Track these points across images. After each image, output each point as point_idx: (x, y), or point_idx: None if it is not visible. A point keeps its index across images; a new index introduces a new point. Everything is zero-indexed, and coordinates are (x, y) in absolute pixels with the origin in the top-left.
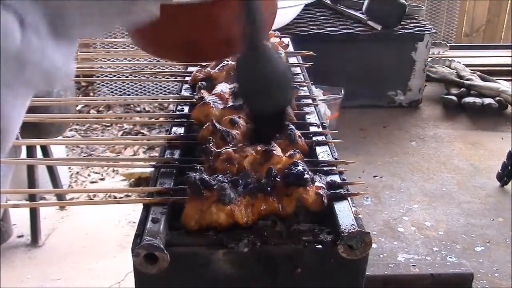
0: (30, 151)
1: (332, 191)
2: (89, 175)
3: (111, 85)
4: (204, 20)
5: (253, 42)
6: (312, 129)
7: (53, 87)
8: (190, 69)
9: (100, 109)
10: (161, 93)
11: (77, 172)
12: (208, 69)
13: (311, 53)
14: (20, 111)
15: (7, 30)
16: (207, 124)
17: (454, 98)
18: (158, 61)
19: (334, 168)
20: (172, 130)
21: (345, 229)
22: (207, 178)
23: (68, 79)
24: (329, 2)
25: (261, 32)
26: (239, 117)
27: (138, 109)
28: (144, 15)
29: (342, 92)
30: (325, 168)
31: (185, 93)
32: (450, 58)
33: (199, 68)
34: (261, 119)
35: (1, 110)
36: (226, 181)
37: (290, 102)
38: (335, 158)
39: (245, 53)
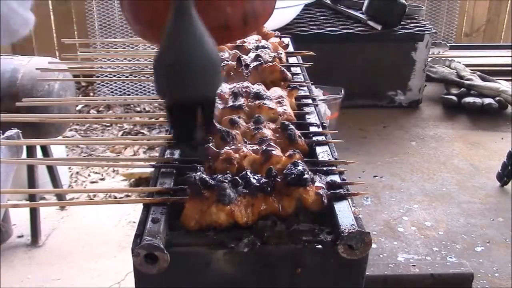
0: (30, 151)
1: (332, 191)
2: (89, 175)
3: (111, 85)
4: (205, 4)
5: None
6: (312, 129)
7: (15, 35)
8: None
9: (100, 109)
10: None
11: (77, 172)
12: None
13: (311, 53)
14: None
15: None
16: None
17: (454, 98)
18: None
19: (334, 168)
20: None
21: (345, 229)
22: (207, 178)
23: (28, 27)
24: (329, 2)
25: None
26: (239, 117)
27: (138, 109)
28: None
29: (342, 92)
30: (325, 168)
31: None
32: (450, 58)
33: None
34: (175, 111)
35: None
36: (226, 181)
37: (215, 92)
38: (335, 158)
39: (168, 20)
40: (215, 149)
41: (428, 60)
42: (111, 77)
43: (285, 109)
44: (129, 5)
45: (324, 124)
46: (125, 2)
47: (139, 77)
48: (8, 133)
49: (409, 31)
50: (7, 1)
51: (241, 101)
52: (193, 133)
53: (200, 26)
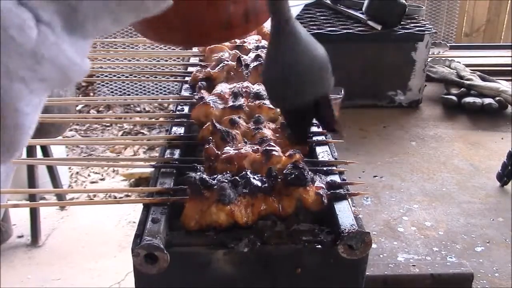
0: (30, 151)
1: (332, 191)
2: (89, 175)
3: (111, 85)
4: (207, 4)
5: (278, 20)
6: (312, 129)
7: (69, 83)
8: (190, 69)
9: (100, 109)
10: (161, 93)
11: (77, 172)
12: (208, 69)
13: None
14: (35, 109)
15: (23, 25)
16: (207, 124)
17: (454, 98)
18: (158, 61)
19: (334, 168)
20: (172, 130)
21: (345, 229)
22: (207, 178)
23: (84, 75)
24: (329, 2)
25: (286, 7)
26: (239, 117)
27: (138, 109)
28: (158, 9)
29: (342, 92)
30: (325, 168)
31: (185, 93)
32: (450, 58)
33: (199, 68)
34: (291, 114)
35: (17, 106)
36: (226, 181)
37: (327, 91)
38: (335, 158)
39: (271, 35)
40: (215, 149)
41: (428, 60)
42: (111, 77)
43: None
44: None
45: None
46: None
47: (139, 77)
48: None
49: (409, 31)
50: (65, 50)
51: (241, 101)
52: (306, 134)
53: (301, 30)
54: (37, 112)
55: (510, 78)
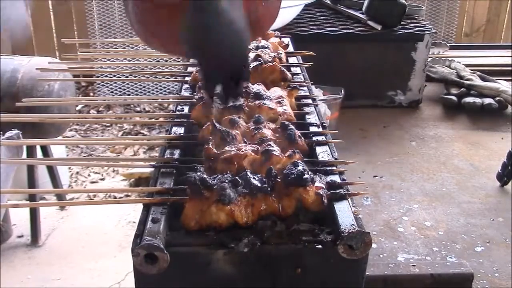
0: (30, 151)
1: (332, 191)
2: (89, 175)
3: (111, 85)
4: None
5: None
6: (312, 129)
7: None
8: (190, 69)
9: (100, 109)
10: (161, 93)
11: (77, 172)
12: None
13: (311, 53)
14: None
15: None
16: (207, 124)
17: (454, 98)
18: (158, 61)
19: (334, 168)
20: (172, 130)
21: (345, 229)
22: (207, 178)
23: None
24: (329, 2)
25: None
26: (239, 117)
27: (138, 109)
28: None
29: (342, 92)
30: (325, 168)
31: (185, 93)
32: (450, 58)
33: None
34: (209, 75)
35: None
36: (226, 181)
37: (244, 59)
38: (335, 158)
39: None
40: (214, 149)
41: (428, 60)
42: (111, 77)
43: (285, 109)
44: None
45: (324, 124)
46: (132, 13)
47: (139, 77)
48: (8, 134)
49: (409, 31)
50: None
51: (241, 101)
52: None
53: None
54: None
55: (510, 78)
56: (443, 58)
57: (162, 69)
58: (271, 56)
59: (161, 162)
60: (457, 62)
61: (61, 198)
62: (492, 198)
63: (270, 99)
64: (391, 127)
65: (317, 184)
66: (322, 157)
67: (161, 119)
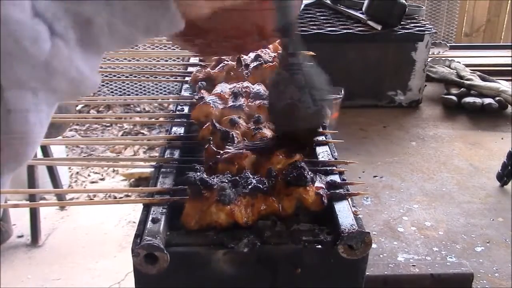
0: None
1: (332, 191)
2: (89, 175)
3: (111, 85)
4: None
5: (289, 58)
6: None
7: (79, 96)
8: (190, 69)
9: (100, 109)
10: (161, 93)
11: (77, 172)
12: (208, 69)
13: (311, 53)
14: (43, 119)
15: (37, 38)
16: (207, 124)
17: (454, 98)
18: (158, 61)
19: (334, 168)
20: (172, 130)
21: (345, 229)
22: (207, 178)
23: (94, 89)
24: (329, 2)
25: (297, 45)
26: (239, 117)
27: (138, 109)
28: (169, 32)
29: (342, 92)
30: (325, 168)
31: (185, 93)
32: (450, 58)
33: (199, 68)
34: (284, 137)
35: (26, 116)
36: (226, 181)
37: (317, 126)
38: (335, 158)
39: (280, 69)
40: (215, 149)
41: (428, 60)
42: (111, 77)
43: None
44: None
45: (324, 124)
46: None
47: (139, 77)
48: None
49: (409, 31)
50: (77, 64)
51: (241, 101)
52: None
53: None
54: (45, 123)
55: (510, 78)
56: (443, 58)
57: (162, 69)
58: (271, 56)
59: (161, 162)
60: (457, 62)
61: (61, 198)
62: (492, 198)
63: None
64: (391, 127)
65: (317, 184)
66: (322, 157)
67: (161, 119)
